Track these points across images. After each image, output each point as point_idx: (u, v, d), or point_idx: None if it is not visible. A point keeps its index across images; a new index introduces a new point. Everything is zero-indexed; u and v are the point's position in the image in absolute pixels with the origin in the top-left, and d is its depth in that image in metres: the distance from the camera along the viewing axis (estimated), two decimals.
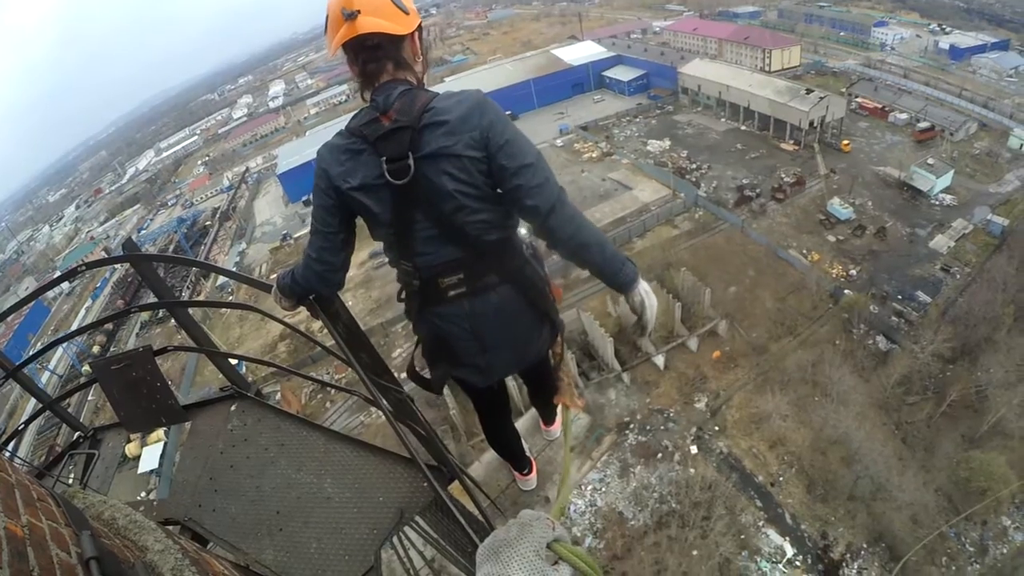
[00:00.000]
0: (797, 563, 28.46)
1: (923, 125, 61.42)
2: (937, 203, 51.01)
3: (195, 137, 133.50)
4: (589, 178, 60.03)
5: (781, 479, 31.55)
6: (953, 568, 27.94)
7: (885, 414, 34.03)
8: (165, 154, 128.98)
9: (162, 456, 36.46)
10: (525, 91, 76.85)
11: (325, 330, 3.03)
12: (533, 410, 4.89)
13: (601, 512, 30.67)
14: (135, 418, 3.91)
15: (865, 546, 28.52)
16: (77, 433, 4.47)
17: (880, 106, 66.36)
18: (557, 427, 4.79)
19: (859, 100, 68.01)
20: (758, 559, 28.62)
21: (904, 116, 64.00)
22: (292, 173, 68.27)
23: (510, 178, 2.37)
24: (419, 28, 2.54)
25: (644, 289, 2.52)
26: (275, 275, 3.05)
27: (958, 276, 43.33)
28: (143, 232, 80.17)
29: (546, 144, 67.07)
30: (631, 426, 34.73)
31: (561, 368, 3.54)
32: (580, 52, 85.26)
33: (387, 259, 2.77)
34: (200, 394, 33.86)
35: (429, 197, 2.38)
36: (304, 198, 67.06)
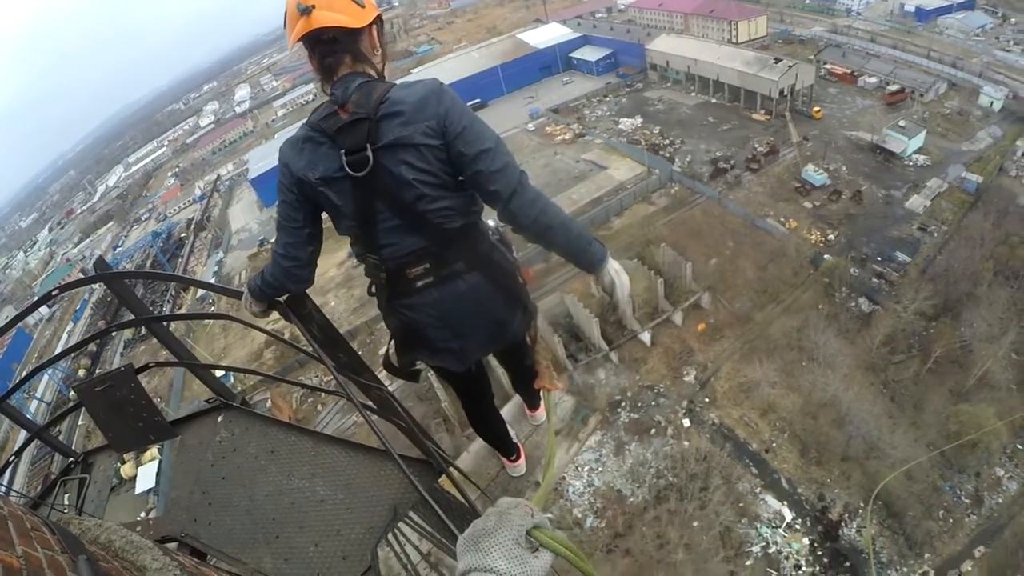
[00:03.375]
0: (796, 526, 28.89)
1: (893, 88, 61.80)
2: (911, 164, 51.46)
3: (163, 148, 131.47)
4: (563, 160, 59.91)
5: (774, 445, 31.98)
6: (951, 521, 28.47)
7: (872, 374, 34.42)
8: (134, 168, 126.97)
9: (158, 474, 36.13)
10: (493, 77, 76.36)
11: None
12: (518, 397, 4.92)
13: (599, 491, 30.91)
14: (123, 438, 3.92)
15: (862, 505, 28.88)
16: (69, 459, 4.46)
17: (849, 71, 66.63)
18: (542, 412, 4.82)
19: (828, 67, 68.16)
20: (758, 525, 29.01)
21: (873, 80, 64.30)
22: (264, 177, 67.01)
23: (469, 164, 2.40)
24: (377, 21, 2.58)
25: (614, 268, 2.54)
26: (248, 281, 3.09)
27: (935, 234, 43.77)
28: (119, 249, 79.21)
29: (518, 129, 67.20)
30: (622, 404, 34.99)
31: (538, 352, 3.59)
32: (546, 35, 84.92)
33: (355, 254, 2.81)
34: (188, 408, 33.58)
35: (389, 187, 2.41)
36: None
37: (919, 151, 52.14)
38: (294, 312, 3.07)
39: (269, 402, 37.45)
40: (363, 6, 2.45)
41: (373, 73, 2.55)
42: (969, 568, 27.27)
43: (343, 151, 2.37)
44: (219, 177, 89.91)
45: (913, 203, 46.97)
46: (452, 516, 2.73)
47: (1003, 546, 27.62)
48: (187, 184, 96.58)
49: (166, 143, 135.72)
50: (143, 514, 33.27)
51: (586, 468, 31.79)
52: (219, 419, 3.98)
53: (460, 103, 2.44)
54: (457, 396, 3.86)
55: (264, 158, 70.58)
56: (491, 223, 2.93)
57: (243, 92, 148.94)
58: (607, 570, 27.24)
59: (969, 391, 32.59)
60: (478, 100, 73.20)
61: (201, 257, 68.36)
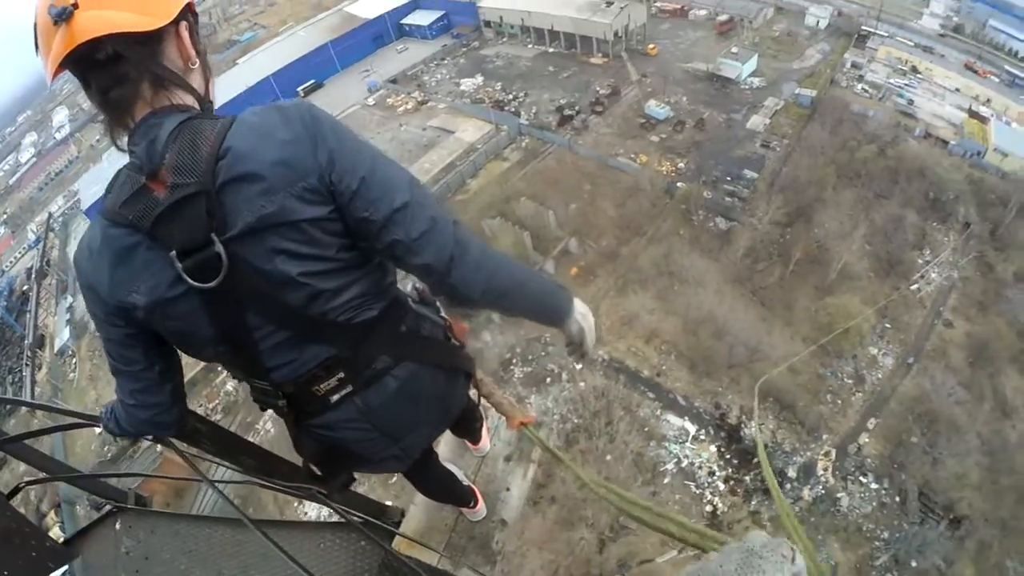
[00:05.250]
0: (702, 437, 30.22)
1: (722, 17, 64.33)
2: (747, 87, 53.73)
3: None
4: (409, 131, 58.50)
5: (664, 367, 32.93)
6: (839, 402, 30.74)
7: (740, 285, 36.02)
8: None
9: None
10: (325, 55, 73.30)
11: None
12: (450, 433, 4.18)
13: None
14: (19, 573, 2.83)
15: (756, 404, 30.33)
16: None
17: (679, 6, 68.61)
18: (486, 443, 4.31)
19: (658, 4, 69.82)
20: (666, 444, 30.07)
21: (703, 12, 66.77)
22: (99, 205, 62.45)
23: (379, 234, 1.60)
24: (186, 13, 1.62)
25: (580, 313, 2.07)
26: (101, 408, 2.23)
27: (778, 149, 45.88)
28: None
29: (358, 105, 65.31)
30: (513, 361, 34.89)
31: (490, 396, 2.85)
32: (375, 4, 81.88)
33: (232, 376, 2.03)
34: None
35: (263, 292, 1.57)
36: None
37: (753, 74, 54.51)
38: (177, 435, 2.30)
39: (159, 446, 33.76)
40: None
41: (192, 101, 1.64)
42: (866, 440, 29.52)
43: (173, 253, 1.47)
44: (51, 215, 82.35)
45: (754, 123, 49.04)
46: None
47: (892, 414, 30.15)
48: (18, 230, 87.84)
49: None
50: None
51: (492, 431, 31.52)
52: (117, 527, 3.17)
53: (347, 136, 1.59)
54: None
55: (95, 184, 64.88)
56: (408, 287, 2.19)
57: (61, 116, 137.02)
58: (538, 521, 27.26)
59: (832, 285, 34.99)
60: (312, 81, 70.46)
61: (50, 307, 61.71)
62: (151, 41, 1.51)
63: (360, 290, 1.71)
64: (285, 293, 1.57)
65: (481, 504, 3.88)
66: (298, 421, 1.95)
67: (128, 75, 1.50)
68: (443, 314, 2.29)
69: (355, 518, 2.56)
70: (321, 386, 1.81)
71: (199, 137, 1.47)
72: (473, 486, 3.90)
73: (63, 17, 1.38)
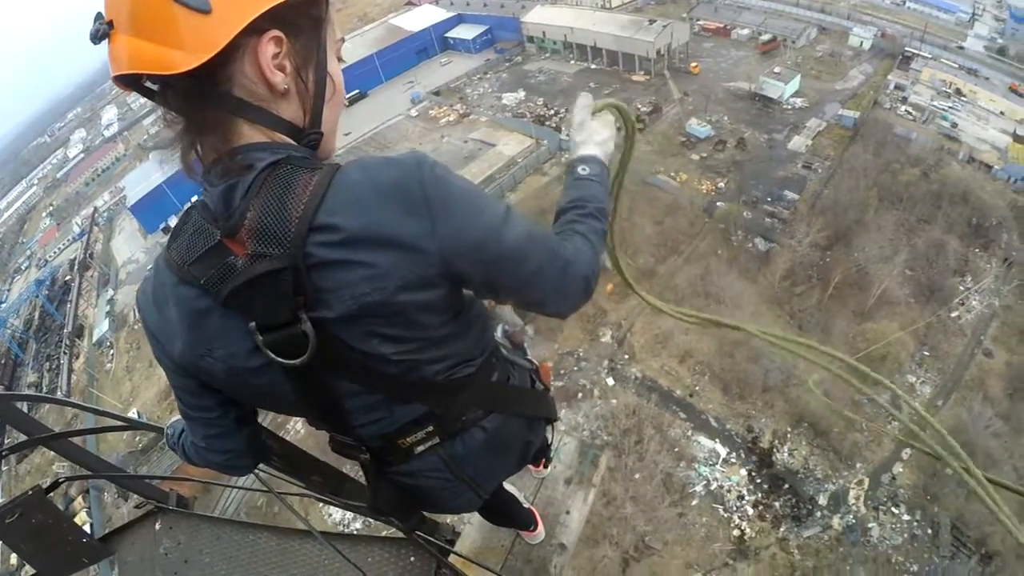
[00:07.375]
0: (732, 460, 29.91)
1: (765, 37, 64.53)
2: (789, 107, 53.63)
3: (34, 187, 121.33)
4: (451, 142, 58.89)
5: (697, 388, 32.73)
6: (875, 430, 29.88)
7: (778, 307, 35.81)
8: (6, 215, 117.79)
9: None
10: (369, 66, 74.04)
11: None
12: None
13: None
14: (53, 566, 3.14)
15: (789, 429, 30.25)
16: None
17: (722, 25, 68.79)
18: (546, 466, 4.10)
19: (701, 23, 70.16)
20: (696, 466, 29.80)
21: (746, 32, 66.84)
22: (143, 203, 62.86)
23: (501, 295, 1.52)
24: (280, 19, 1.23)
25: (582, 141, 1.87)
26: (167, 426, 2.16)
27: (820, 170, 45.54)
28: (3, 305, 71.77)
29: (401, 116, 66.00)
30: None
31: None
32: (420, 17, 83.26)
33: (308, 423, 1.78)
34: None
35: (356, 364, 1.36)
36: (163, 226, 62.38)
37: (796, 95, 54.37)
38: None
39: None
40: (208, 11, 1.12)
41: (280, 136, 1.32)
42: (900, 470, 29.01)
43: (253, 325, 1.25)
44: (96, 209, 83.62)
45: (795, 144, 48.83)
46: None
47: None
48: (64, 222, 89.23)
49: (36, 181, 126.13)
50: None
51: (554, 453, 31.93)
52: (156, 527, 3.29)
53: (473, 203, 1.30)
54: None
55: (141, 182, 66.75)
56: (498, 331, 2.15)
57: (110, 114, 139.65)
58: (562, 538, 27.45)
59: (871, 310, 34.42)
60: (357, 91, 71.29)
61: (90, 298, 63.06)
62: (204, 70, 1.16)
63: (460, 355, 1.56)
64: (381, 366, 1.37)
65: (541, 527, 3.69)
66: (378, 469, 1.80)
67: (184, 109, 1.25)
68: (530, 357, 2.23)
69: (417, 535, 2.52)
70: (408, 439, 1.68)
71: (289, 194, 1.19)
72: (532, 508, 3.74)
73: (98, 38, 1.19)
